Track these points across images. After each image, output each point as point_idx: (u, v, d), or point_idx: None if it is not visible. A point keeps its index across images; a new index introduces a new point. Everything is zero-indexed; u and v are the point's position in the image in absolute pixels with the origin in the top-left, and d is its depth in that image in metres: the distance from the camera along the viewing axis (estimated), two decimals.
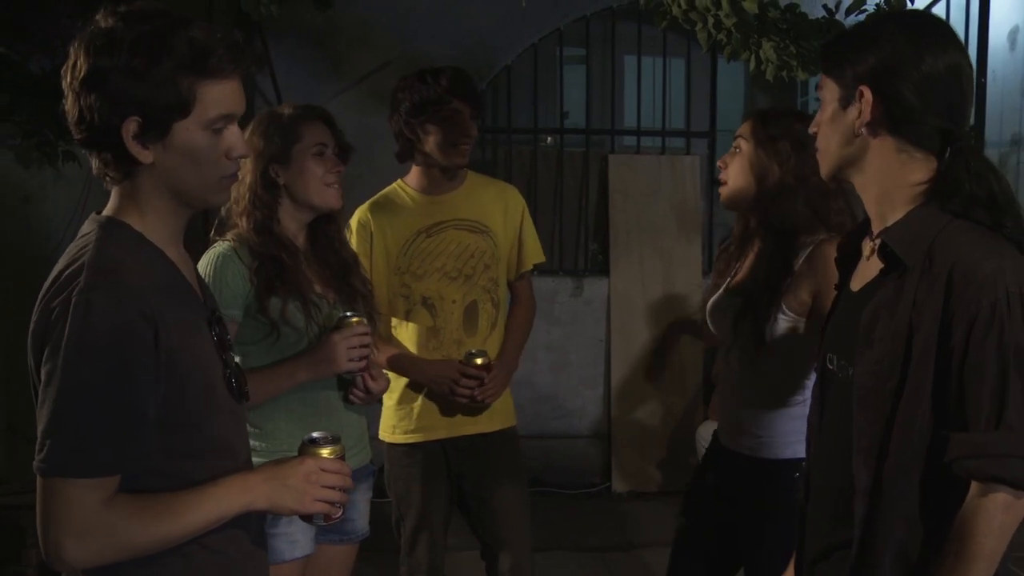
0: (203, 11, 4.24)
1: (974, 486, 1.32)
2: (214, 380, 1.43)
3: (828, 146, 1.52)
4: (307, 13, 4.20)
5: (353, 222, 2.64)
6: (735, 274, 2.32)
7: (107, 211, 1.41)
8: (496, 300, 2.68)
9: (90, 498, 1.28)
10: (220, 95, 1.35)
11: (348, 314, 2.17)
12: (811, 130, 1.57)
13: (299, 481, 1.44)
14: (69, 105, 1.34)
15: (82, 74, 1.30)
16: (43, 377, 1.28)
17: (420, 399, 2.61)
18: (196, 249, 1.66)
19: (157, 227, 1.40)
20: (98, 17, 1.33)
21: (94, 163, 1.38)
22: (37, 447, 1.28)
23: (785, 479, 2.08)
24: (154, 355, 1.30)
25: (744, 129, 2.22)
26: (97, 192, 1.43)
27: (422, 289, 2.61)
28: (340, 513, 1.53)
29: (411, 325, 2.63)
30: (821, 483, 1.58)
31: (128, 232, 1.37)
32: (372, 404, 2.32)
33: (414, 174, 2.67)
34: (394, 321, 2.66)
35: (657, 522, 2.57)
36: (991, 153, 5.03)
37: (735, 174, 2.21)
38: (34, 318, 1.32)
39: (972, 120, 4.63)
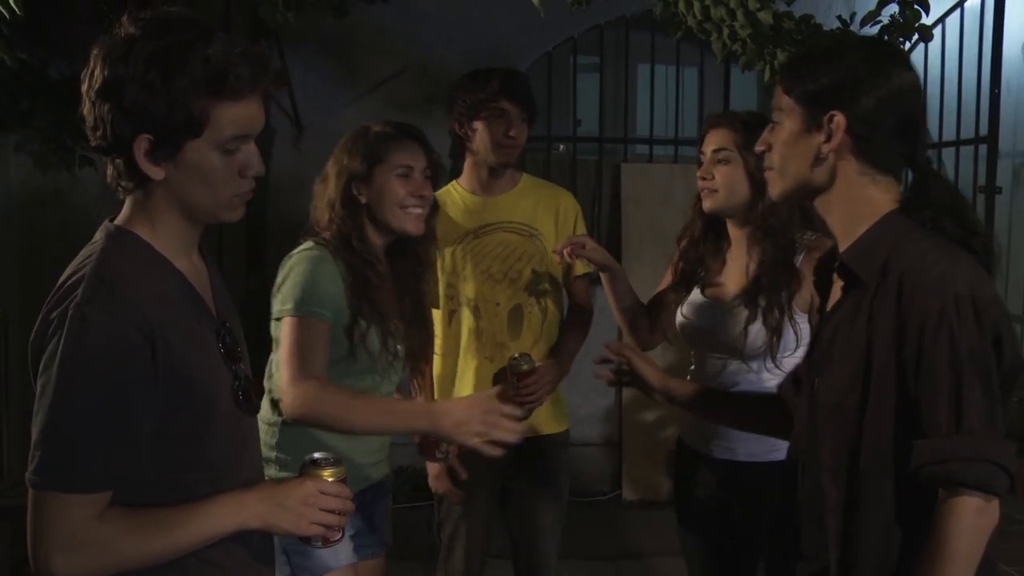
0: (220, 19, 4.28)
1: (942, 492, 1.33)
2: (218, 392, 1.41)
3: (786, 167, 1.51)
4: (324, 20, 4.23)
5: None
6: (704, 279, 2.35)
7: (119, 220, 1.40)
8: (544, 306, 2.66)
9: (80, 512, 1.27)
10: (236, 116, 1.32)
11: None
12: (758, 148, 1.58)
13: (297, 503, 1.41)
14: (86, 111, 1.33)
15: (98, 83, 1.29)
16: (38, 389, 1.28)
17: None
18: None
19: (168, 238, 1.39)
20: (120, 23, 1.31)
21: (108, 169, 1.37)
22: (29, 458, 1.28)
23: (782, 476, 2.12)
24: (151, 369, 1.29)
25: (726, 139, 2.26)
26: (114, 197, 1.44)
27: (467, 291, 2.61)
28: (339, 536, 1.50)
29: (455, 325, 2.62)
30: (802, 503, 1.57)
31: (136, 242, 1.37)
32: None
33: (466, 174, 2.68)
34: (438, 321, 2.62)
35: (667, 531, 2.57)
36: (1004, 164, 5.01)
37: (729, 183, 2.25)
38: (35, 327, 1.31)
39: (985, 131, 4.64)
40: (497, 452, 1.81)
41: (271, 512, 1.39)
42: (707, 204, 2.29)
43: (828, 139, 1.46)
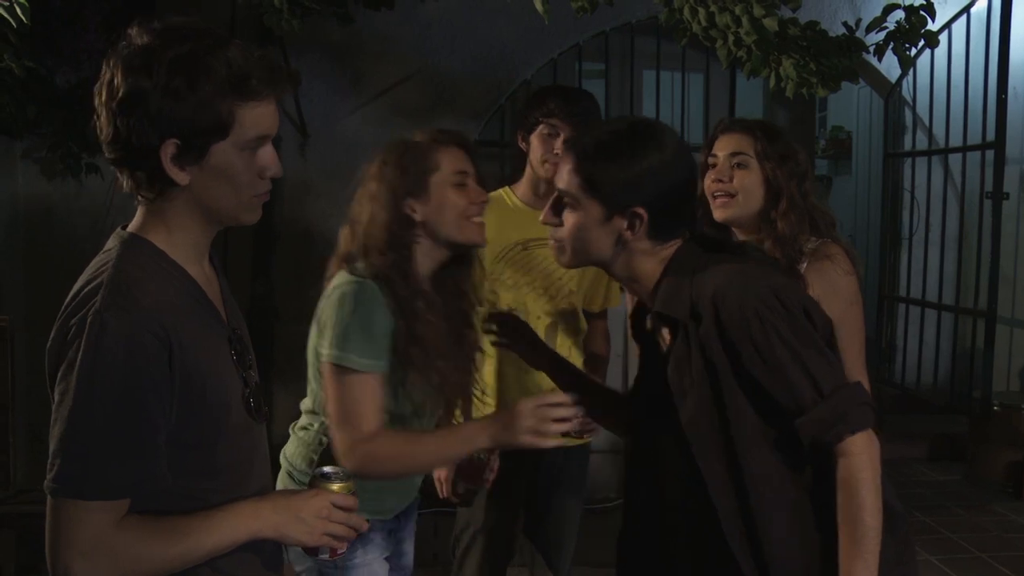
0: (226, 26, 4.29)
1: (837, 449, 1.51)
2: (231, 399, 1.41)
3: (585, 249, 1.65)
4: (329, 28, 4.24)
5: None
6: None
7: (132, 227, 1.40)
8: (576, 328, 2.72)
9: (100, 520, 1.28)
10: (258, 117, 1.34)
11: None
12: (543, 220, 1.69)
13: (311, 515, 1.43)
14: (104, 123, 1.32)
15: (120, 94, 1.28)
16: (56, 397, 1.28)
17: (494, 407, 2.63)
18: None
19: (183, 245, 1.39)
20: (132, 33, 1.31)
21: (126, 181, 1.36)
22: (48, 466, 1.28)
23: None
24: (167, 376, 1.30)
25: (744, 144, 2.26)
26: (120, 204, 1.44)
27: (510, 299, 2.63)
28: (344, 548, 1.51)
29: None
30: (667, 527, 1.69)
31: (150, 249, 1.37)
32: None
33: (523, 183, 2.75)
34: None
35: None
36: (1012, 170, 5.00)
37: (747, 189, 2.25)
38: (52, 335, 1.31)
39: (992, 137, 4.63)
40: (550, 443, 1.83)
41: (286, 523, 1.41)
42: (723, 213, 2.27)
43: (631, 228, 1.61)
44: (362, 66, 4.78)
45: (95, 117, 1.34)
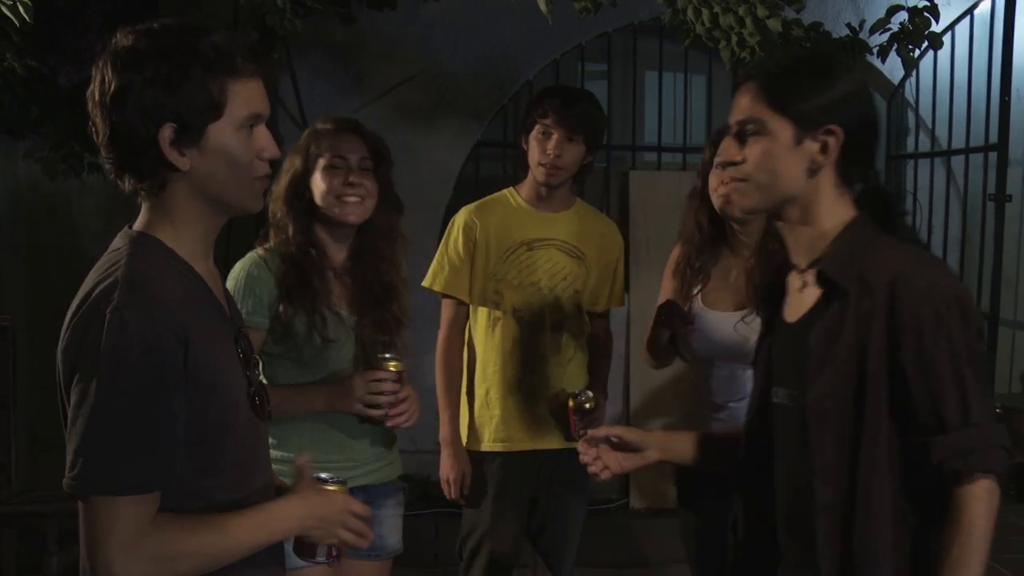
0: (228, 26, 4.29)
1: (961, 479, 1.43)
2: (238, 397, 1.42)
3: (774, 179, 1.52)
4: (331, 28, 4.24)
5: (459, 221, 2.70)
6: (703, 288, 2.35)
7: (138, 226, 1.41)
8: (581, 327, 2.72)
9: (134, 513, 1.29)
10: (248, 94, 1.37)
11: (387, 356, 2.14)
12: (718, 160, 1.61)
13: (333, 517, 1.50)
14: (99, 125, 1.34)
15: (112, 89, 1.31)
16: (75, 395, 1.28)
17: (500, 407, 2.64)
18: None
19: (189, 240, 1.40)
20: (117, 37, 1.34)
21: (127, 182, 1.37)
22: (69, 465, 1.28)
23: None
24: (183, 373, 1.31)
25: None
26: (121, 203, 1.44)
27: (515, 300, 2.64)
28: (336, 555, 1.58)
29: (498, 333, 2.65)
30: (779, 514, 1.60)
31: (159, 247, 1.38)
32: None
33: (526, 184, 2.74)
34: (480, 327, 2.68)
35: (675, 539, 2.56)
36: (1015, 172, 4.98)
37: None
38: (66, 334, 1.32)
39: (995, 139, 4.62)
40: (375, 413, 1.96)
41: (312, 525, 1.48)
42: (735, 209, 2.26)
43: (823, 151, 1.50)
44: (365, 66, 4.78)
45: (90, 123, 1.36)
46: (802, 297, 1.58)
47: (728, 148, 1.57)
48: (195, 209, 1.39)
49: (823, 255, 1.53)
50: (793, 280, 1.62)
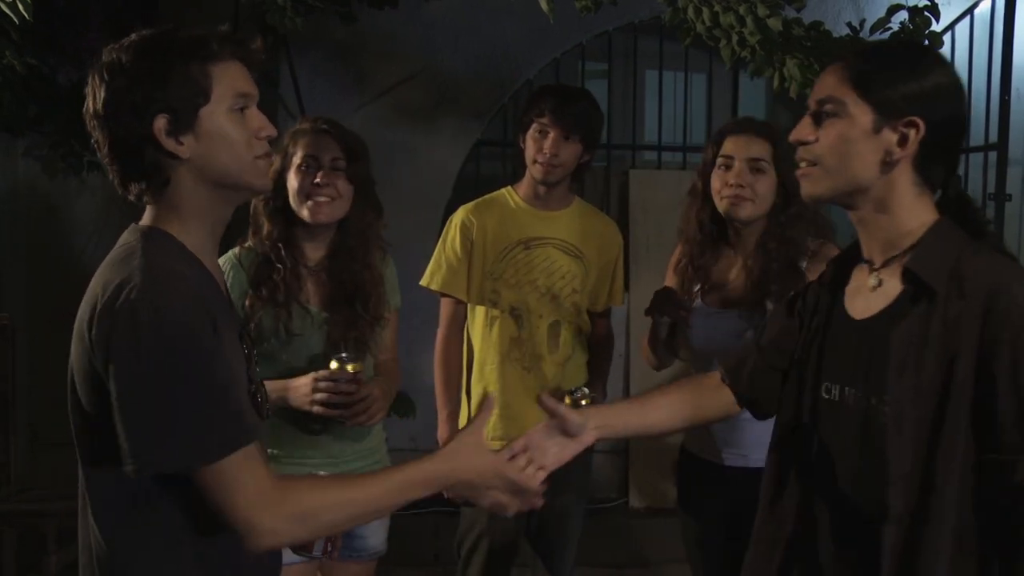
0: (229, 23, 4.28)
1: None
2: (243, 394, 1.43)
3: (844, 165, 1.46)
4: (332, 26, 4.23)
5: (456, 220, 2.70)
6: (704, 287, 2.35)
7: (146, 221, 1.42)
8: (579, 327, 2.72)
9: (251, 467, 1.31)
10: (231, 76, 1.40)
11: (343, 356, 2.13)
12: (794, 138, 1.52)
13: (484, 480, 1.53)
14: (99, 138, 1.38)
15: (103, 96, 1.35)
16: (120, 384, 1.28)
17: (498, 406, 2.62)
18: None
19: (197, 234, 1.42)
20: (103, 52, 1.39)
21: (133, 188, 1.40)
22: (146, 449, 1.28)
23: None
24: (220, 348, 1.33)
25: (764, 150, 2.28)
26: (120, 203, 1.44)
27: (512, 299, 2.64)
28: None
29: (495, 331, 2.65)
30: (831, 516, 1.52)
31: (170, 240, 1.39)
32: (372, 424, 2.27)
33: (523, 183, 2.74)
34: (478, 326, 2.68)
35: (674, 539, 2.56)
36: (1015, 172, 4.99)
37: (764, 195, 2.28)
38: (92, 329, 1.31)
39: (995, 138, 4.62)
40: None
41: (459, 488, 1.56)
42: (741, 211, 2.29)
43: (901, 143, 1.42)
44: (365, 65, 4.77)
45: (92, 141, 1.39)
46: (874, 294, 1.50)
47: (803, 127, 1.50)
48: (201, 199, 1.40)
49: (911, 253, 1.45)
50: (861, 275, 1.54)
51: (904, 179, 1.45)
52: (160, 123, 1.35)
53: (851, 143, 1.44)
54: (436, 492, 1.49)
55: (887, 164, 1.44)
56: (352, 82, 4.77)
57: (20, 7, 2.67)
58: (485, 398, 2.15)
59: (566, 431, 1.70)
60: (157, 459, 1.29)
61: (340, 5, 3.97)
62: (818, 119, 1.48)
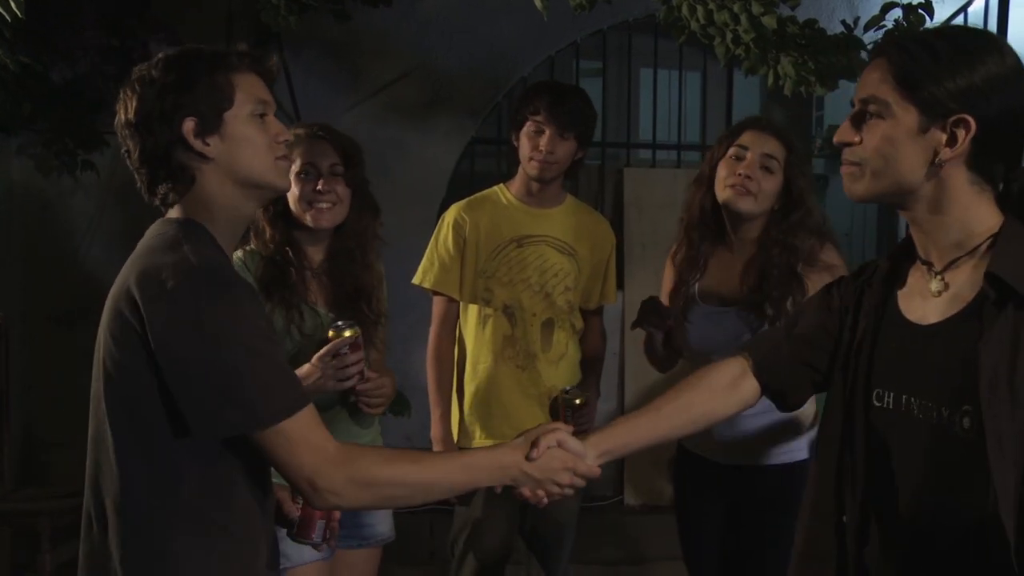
0: (223, 21, 4.28)
1: None
2: None
3: (888, 167, 1.38)
4: (326, 25, 4.23)
5: (448, 218, 2.70)
6: (698, 280, 2.36)
7: (175, 215, 1.51)
8: (572, 325, 2.72)
9: (314, 426, 1.40)
10: (251, 84, 1.53)
11: (339, 323, 2.14)
12: (837, 140, 1.45)
13: (548, 474, 1.62)
14: (131, 146, 1.49)
15: (134, 107, 1.47)
16: (190, 352, 1.35)
17: (491, 404, 2.64)
18: None
19: (224, 228, 1.52)
20: (132, 72, 1.51)
21: (160, 190, 1.51)
22: (216, 414, 1.36)
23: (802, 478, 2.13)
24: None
25: (778, 150, 2.31)
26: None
27: (505, 297, 2.64)
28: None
29: (488, 330, 2.66)
30: (887, 527, 1.45)
31: (204, 231, 1.49)
32: (383, 414, 2.32)
33: (516, 180, 2.74)
34: (471, 324, 2.69)
35: (669, 536, 2.57)
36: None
37: (768, 193, 2.30)
38: (150, 317, 1.36)
39: None
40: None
41: (522, 480, 1.65)
42: (741, 203, 2.29)
43: (950, 143, 1.34)
44: (359, 63, 4.77)
45: (127, 157, 1.52)
46: (939, 299, 1.40)
47: (845, 129, 1.43)
48: (227, 197, 1.51)
49: (986, 256, 1.34)
50: (921, 278, 1.44)
51: (958, 179, 1.36)
52: (188, 125, 1.46)
53: (896, 145, 1.37)
54: (501, 483, 1.58)
55: (935, 165, 1.35)
56: (346, 80, 4.76)
57: (13, 5, 2.67)
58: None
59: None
60: (229, 419, 1.36)
61: (334, 3, 3.97)
62: (860, 119, 1.41)
